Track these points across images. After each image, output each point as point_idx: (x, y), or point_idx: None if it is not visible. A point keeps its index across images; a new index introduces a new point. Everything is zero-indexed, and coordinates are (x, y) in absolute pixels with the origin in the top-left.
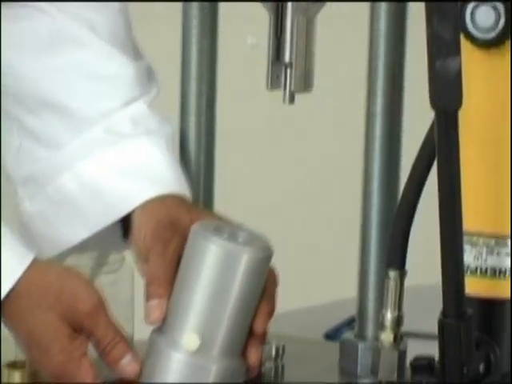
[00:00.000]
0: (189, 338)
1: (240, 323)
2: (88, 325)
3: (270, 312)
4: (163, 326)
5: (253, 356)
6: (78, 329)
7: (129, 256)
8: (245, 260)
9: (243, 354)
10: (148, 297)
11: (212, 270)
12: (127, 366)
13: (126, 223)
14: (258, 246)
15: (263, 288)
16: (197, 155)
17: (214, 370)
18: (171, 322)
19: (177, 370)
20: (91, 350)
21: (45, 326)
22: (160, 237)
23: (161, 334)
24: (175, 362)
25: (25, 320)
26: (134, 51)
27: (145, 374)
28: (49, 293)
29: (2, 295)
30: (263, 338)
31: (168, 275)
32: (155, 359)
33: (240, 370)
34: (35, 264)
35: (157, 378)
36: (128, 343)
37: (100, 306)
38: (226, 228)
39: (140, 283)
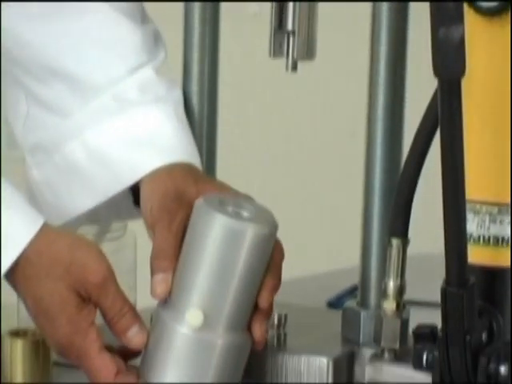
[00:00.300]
0: (192, 314)
1: (245, 298)
2: (96, 295)
3: (276, 286)
4: (168, 300)
5: (258, 330)
6: (86, 299)
7: (131, 224)
8: (249, 236)
9: (248, 328)
10: (153, 271)
11: (216, 247)
12: (134, 336)
13: (136, 192)
14: (262, 221)
15: (268, 261)
16: (199, 125)
17: (219, 345)
18: (176, 297)
19: (182, 345)
20: (98, 317)
21: (53, 295)
22: (166, 209)
23: (166, 308)
24: (180, 337)
25: (33, 288)
26: (141, 15)
27: (150, 348)
28: (58, 263)
29: (10, 262)
30: (268, 313)
31: (173, 249)
32: (160, 333)
33: (245, 344)
34: (45, 230)
35: (162, 352)
36: (136, 313)
37: (109, 277)
38: (231, 202)
39: (142, 251)
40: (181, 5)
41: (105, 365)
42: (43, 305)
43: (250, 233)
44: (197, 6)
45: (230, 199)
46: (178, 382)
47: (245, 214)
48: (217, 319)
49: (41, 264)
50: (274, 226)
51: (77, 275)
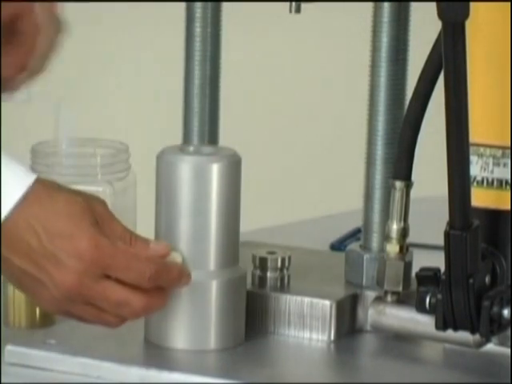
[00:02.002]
0: (170, 258)
1: (228, 232)
2: (107, 220)
3: None
4: None
5: None
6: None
7: (133, 165)
8: (215, 168)
9: None
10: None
11: (186, 188)
12: (157, 245)
13: None
14: (224, 154)
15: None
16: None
17: (214, 284)
18: None
19: (178, 293)
20: None
21: (70, 213)
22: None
23: None
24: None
25: (43, 215)
26: None
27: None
28: (67, 195)
29: (22, 192)
30: None
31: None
32: None
33: (240, 278)
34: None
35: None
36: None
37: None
38: (190, 146)
39: (141, 190)
40: None
41: (154, 249)
42: (58, 226)
43: (214, 165)
44: None
45: (189, 144)
46: (185, 331)
47: (205, 152)
48: (206, 259)
49: (49, 195)
50: (236, 156)
51: (84, 203)
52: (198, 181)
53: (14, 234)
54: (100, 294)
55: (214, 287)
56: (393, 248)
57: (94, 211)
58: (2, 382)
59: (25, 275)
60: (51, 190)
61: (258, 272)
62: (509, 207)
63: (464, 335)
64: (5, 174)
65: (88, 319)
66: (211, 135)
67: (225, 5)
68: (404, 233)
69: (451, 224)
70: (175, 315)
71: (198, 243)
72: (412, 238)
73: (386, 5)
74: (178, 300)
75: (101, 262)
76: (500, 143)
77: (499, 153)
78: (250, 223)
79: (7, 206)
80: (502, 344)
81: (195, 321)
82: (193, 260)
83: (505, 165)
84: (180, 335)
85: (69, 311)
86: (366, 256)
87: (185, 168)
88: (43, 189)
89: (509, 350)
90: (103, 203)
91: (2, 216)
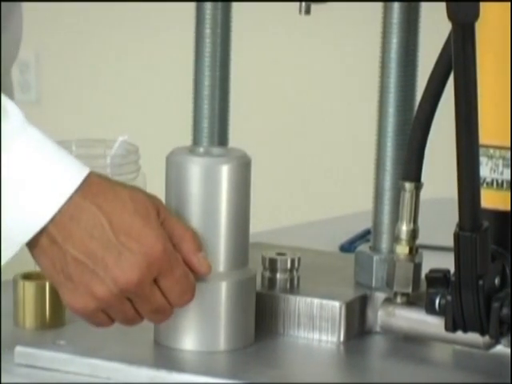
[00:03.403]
0: None
1: (238, 233)
2: (168, 219)
3: None
4: None
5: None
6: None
7: (143, 167)
8: (224, 170)
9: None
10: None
11: (196, 189)
12: (202, 258)
13: None
14: (233, 155)
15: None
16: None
17: (223, 286)
18: None
19: None
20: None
21: (136, 203)
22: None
23: None
24: None
25: (108, 203)
26: None
27: None
28: (122, 188)
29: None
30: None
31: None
32: None
33: (250, 279)
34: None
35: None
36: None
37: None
38: (200, 148)
39: (151, 191)
40: None
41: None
42: (125, 221)
43: (224, 166)
44: None
45: (198, 146)
46: (194, 333)
47: (215, 153)
48: (215, 261)
49: (113, 189)
50: (246, 157)
51: (150, 199)
52: (208, 182)
53: (74, 220)
54: (148, 296)
55: (223, 288)
56: (402, 249)
57: (159, 210)
58: (13, 382)
59: (75, 265)
60: (113, 184)
61: (267, 273)
62: None
63: (473, 337)
64: (64, 162)
65: (118, 319)
66: (221, 136)
67: (235, 5)
68: (414, 234)
69: (461, 225)
70: (185, 316)
71: (207, 244)
72: (422, 239)
73: (396, 6)
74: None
75: (161, 265)
76: (510, 145)
77: (509, 154)
78: (259, 224)
79: (69, 189)
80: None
81: (205, 322)
82: None
83: (511, 166)
84: (189, 336)
85: (105, 309)
86: (376, 257)
87: (194, 169)
88: (104, 181)
89: None
90: (162, 202)
91: (64, 198)
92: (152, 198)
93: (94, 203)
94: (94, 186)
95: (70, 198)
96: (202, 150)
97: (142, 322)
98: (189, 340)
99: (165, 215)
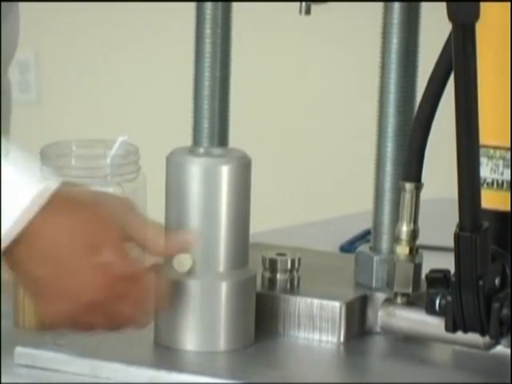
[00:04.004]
0: (179, 260)
1: (238, 233)
2: (129, 223)
3: None
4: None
5: None
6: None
7: (143, 167)
8: (225, 170)
9: None
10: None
11: (196, 189)
12: (171, 243)
13: None
14: (233, 155)
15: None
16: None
17: (224, 286)
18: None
19: (188, 294)
20: None
21: (96, 216)
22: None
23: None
24: (183, 287)
25: (65, 220)
26: None
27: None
28: (85, 204)
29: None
30: None
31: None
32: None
33: (250, 279)
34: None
35: (173, 307)
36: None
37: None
38: (200, 148)
39: (151, 192)
40: None
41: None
42: (84, 236)
43: (224, 167)
44: None
45: (198, 146)
46: (194, 333)
47: (215, 153)
48: (215, 261)
49: (68, 205)
50: (246, 158)
51: (111, 209)
52: (208, 182)
53: (37, 240)
54: (113, 312)
55: (223, 289)
56: (403, 250)
57: (123, 225)
58: (12, 382)
59: (40, 282)
60: (75, 200)
61: (267, 274)
62: None
63: (474, 337)
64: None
65: (97, 329)
66: (221, 137)
67: (235, 6)
68: (414, 234)
69: (461, 226)
70: (185, 316)
71: (207, 245)
72: (422, 239)
73: (396, 6)
74: (187, 301)
75: (120, 285)
76: (510, 145)
77: (509, 155)
78: (259, 225)
79: (31, 209)
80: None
81: (205, 322)
82: (202, 262)
83: (511, 166)
84: (189, 336)
85: (74, 322)
86: (376, 258)
87: (194, 170)
88: (67, 199)
89: None
90: (130, 207)
91: (27, 218)
92: (114, 207)
93: (55, 223)
94: (55, 204)
95: (33, 217)
96: (202, 150)
97: (127, 325)
98: (189, 340)
99: (130, 227)
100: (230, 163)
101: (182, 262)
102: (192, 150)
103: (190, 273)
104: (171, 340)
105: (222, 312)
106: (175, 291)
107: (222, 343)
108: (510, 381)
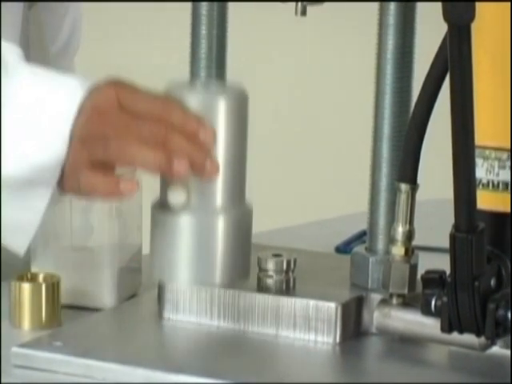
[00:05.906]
0: (173, 194)
1: (236, 169)
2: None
3: None
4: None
5: None
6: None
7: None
8: (222, 105)
9: None
10: None
11: None
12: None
13: None
14: (231, 90)
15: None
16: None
17: (220, 222)
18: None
19: (183, 231)
20: None
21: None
22: None
23: (161, 208)
24: (179, 224)
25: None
26: None
27: (157, 248)
28: None
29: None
30: None
31: None
32: (160, 230)
33: (247, 215)
34: None
35: (166, 245)
36: None
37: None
38: (197, 82)
39: (147, 195)
40: None
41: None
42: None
43: (221, 101)
44: None
45: (196, 80)
46: (190, 267)
47: (213, 88)
48: (211, 196)
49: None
50: (243, 92)
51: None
52: (205, 116)
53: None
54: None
55: (220, 223)
56: (398, 250)
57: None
58: (9, 383)
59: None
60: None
61: (263, 274)
62: None
63: (469, 338)
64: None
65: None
66: None
67: (231, 6)
68: (409, 235)
69: (457, 226)
70: (181, 250)
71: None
72: (417, 240)
73: (392, 7)
74: (183, 235)
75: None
76: (506, 146)
77: (505, 155)
78: (255, 226)
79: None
80: (507, 347)
81: (201, 256)
82: (199, 196)
83: (510, 167)
84: (185, 270)
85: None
86: (372, 258)
87: (191, 103)
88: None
89: None
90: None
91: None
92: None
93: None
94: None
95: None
96: (199, 84)
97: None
98: (185, 273)
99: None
100: (228, 97)
101: (175, 195)
102: (190, 85)
103: (185, 207)
104: (167, 274)
105: (219, 246)
106: (171, 226)
107: (217, 276)
108: (509, 381)
